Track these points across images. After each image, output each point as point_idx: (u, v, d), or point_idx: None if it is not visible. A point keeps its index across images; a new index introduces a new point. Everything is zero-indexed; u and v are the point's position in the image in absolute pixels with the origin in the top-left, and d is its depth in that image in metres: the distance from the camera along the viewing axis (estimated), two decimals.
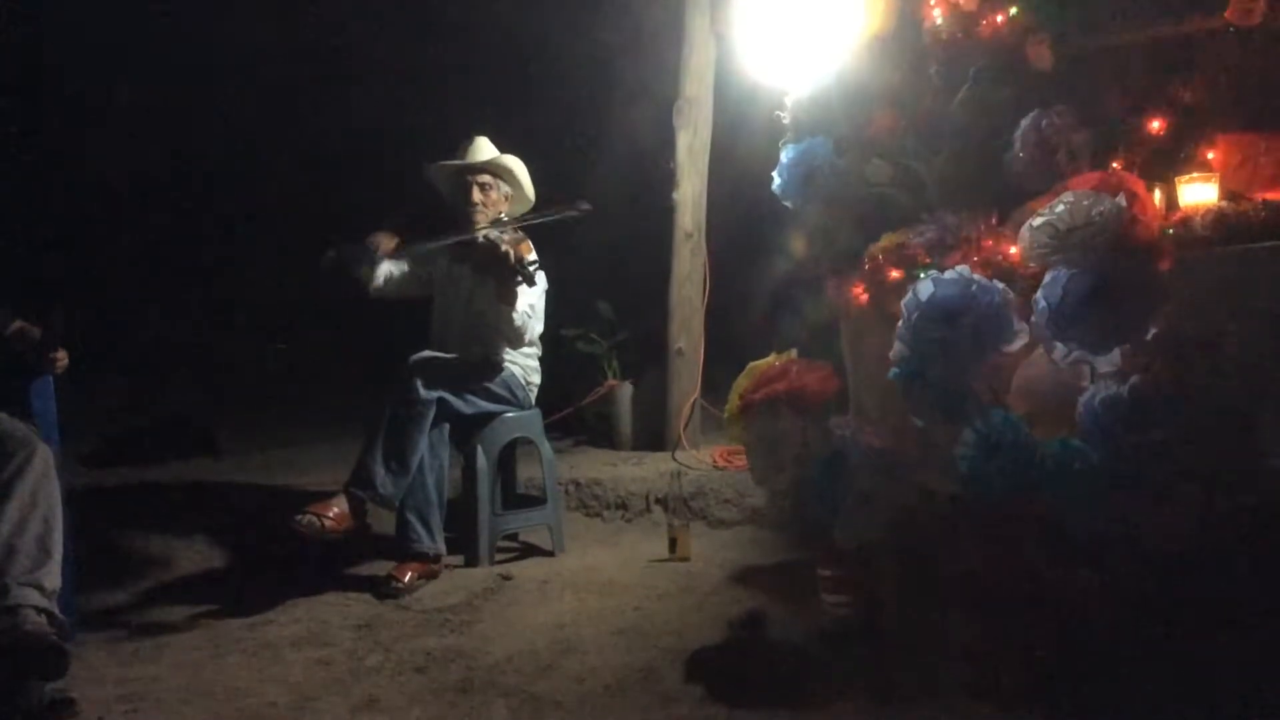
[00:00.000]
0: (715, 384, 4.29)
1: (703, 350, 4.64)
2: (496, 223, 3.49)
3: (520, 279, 3.23)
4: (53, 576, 2.35)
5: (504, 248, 3.23)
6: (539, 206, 3.63)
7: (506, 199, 3.63)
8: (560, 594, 3.09)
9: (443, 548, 3.33)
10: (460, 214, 3.54)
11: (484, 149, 3.59)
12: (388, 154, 5.48)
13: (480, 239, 3.33)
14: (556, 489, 3.73)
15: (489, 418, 3.51)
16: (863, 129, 2.87)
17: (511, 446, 3.75)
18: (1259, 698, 1.90)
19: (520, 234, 3.45)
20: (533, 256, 3.36)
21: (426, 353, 3.38)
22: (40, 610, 2.26)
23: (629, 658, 2.49)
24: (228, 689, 2.41)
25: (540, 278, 3.52)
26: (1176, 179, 2.35)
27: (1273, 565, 1.93)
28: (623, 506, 4.03)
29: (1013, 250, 2.32)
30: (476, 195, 3.54)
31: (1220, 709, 1.92)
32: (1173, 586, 1.99)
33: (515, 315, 3.35)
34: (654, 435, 4.69)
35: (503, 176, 3.60)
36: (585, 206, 3.41)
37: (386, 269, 3.58)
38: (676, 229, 4.61)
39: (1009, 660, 2.13)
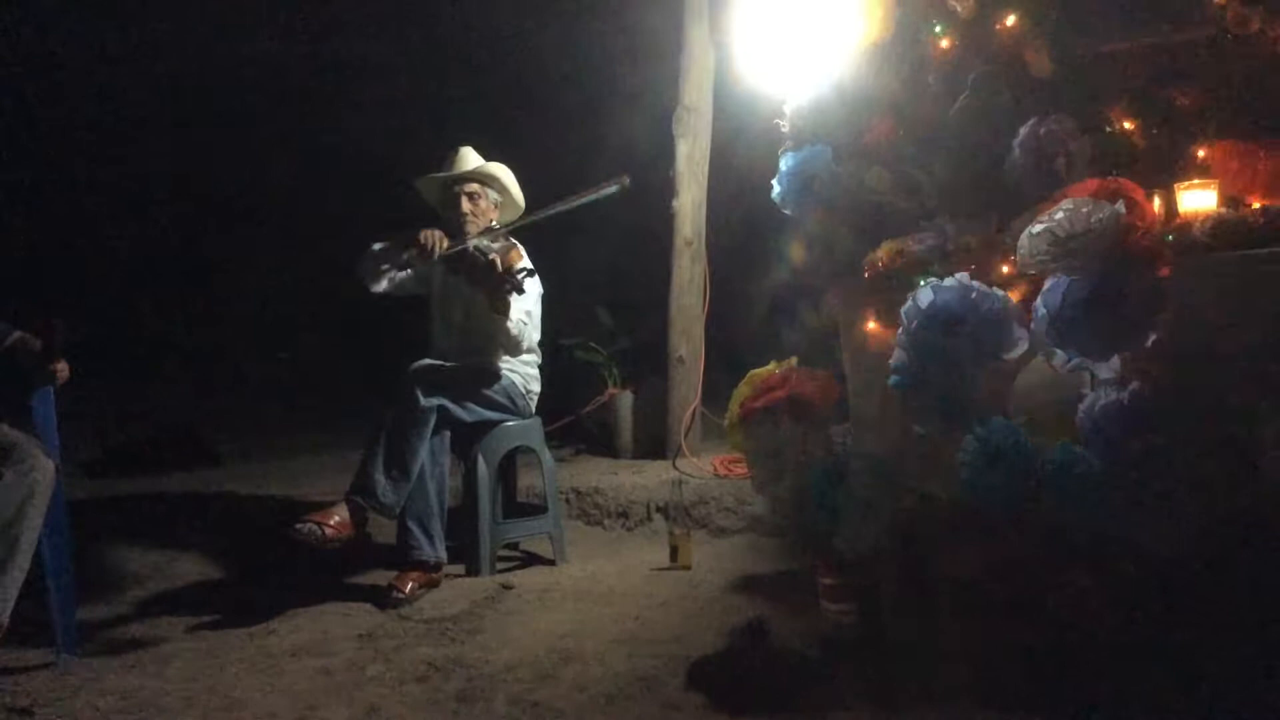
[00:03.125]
0: (716, 392, 4.29)
1: (703, 358, 4.65)
2: (488, 231, 3.47)
3: (510, 288, 3.22)
4: None
5: (491, 257, 3.21)
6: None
7: (496, 206, 3.63)
8: (561, 603, 3.09)
9: (444, 556, 3.33)
10: (452, 225, 3.54)
11: (469, 158, 3.58)
12: (386, 161, 5.50)
13: (470, 249, 3.31)
14: (557, 497, 3.73)
15: (489, 426, 3.51)
16: (862, 136, 2.87)
17: (512, 455, 3.75)
18: (1259, 699, 1.90)
19: (510, 241, 3.42)
20: (523, 264, 3.33)
21: (427, 361, 3.38)
22: None
23: (630, 666, 2.49)
24: (229, 699, 2.41)
25: (535, 283, 3.50)
26: (1175, 185, 2.35)
27: (1272, 568, 1.93)
28: (623, 515, 4.03)
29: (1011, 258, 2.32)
30: (465, 205, 3.53)
31: (1220, 710, 1.92)
32: (1173, 591, 1.98)
33: (510, 324, 3.34)
34: (654, 443, 4.69)
35: (490, 184, 3.59)
36: (623, 181, 3.34)
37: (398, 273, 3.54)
38: (676, 237, 4.62)
39: (1010, 666, 2.13)
